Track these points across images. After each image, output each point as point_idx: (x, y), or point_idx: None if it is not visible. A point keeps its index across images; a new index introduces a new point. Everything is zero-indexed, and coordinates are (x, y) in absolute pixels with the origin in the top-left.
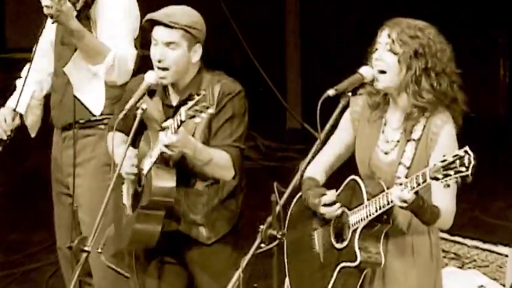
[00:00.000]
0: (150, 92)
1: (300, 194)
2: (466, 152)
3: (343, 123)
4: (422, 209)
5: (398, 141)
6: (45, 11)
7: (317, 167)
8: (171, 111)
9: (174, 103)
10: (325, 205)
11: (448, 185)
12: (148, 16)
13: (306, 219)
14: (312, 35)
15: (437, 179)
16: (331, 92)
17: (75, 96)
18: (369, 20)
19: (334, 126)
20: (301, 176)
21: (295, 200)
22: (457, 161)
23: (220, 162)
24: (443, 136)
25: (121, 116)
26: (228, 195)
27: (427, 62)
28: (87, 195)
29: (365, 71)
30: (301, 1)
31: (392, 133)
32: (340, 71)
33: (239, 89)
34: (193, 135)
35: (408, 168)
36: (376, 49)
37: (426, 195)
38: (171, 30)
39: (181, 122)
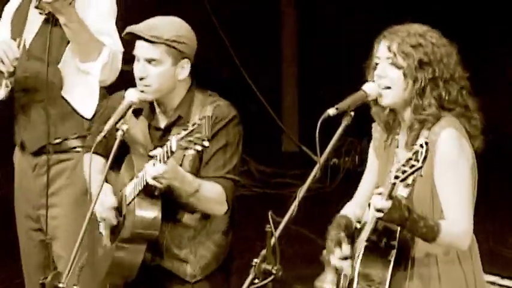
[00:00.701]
0: (136, 111)
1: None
2: (421, 145)
3: (370, 154)
4: (405, 219)
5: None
6: None
7: (353, 203)
8: (158, 133)
9: (162, 125)
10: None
11: (408, 184)
12: (128, 29)
13: None
14: (310, 50)
15: (397, 177)
16: (331, 111)
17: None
18: (370, 35)
19: (336, 149)
20: (299, 203)
21: None
22: (413, 156)
23: (212, 196)
24: (441, 142)
25: (99, 138)
26: (218, 230)
27: (434, 71)
28: (64, 228)
29: (369, 88)
30: (298, 17)
31: (401, 152)
32: (341, 88)
33: (233, 114)
34: (181, 165)
35: (411, 184)
36: (376, 64)
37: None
38: (152, 45)
39: (172, 153)
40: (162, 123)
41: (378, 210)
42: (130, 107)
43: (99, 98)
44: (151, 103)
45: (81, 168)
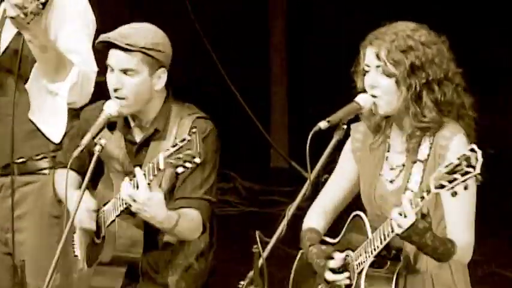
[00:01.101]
0: (110, 125)
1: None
2: (472, 150)
3: (344, 156)
4: (424, 237)
5: (403, 165)
6: (11, 13)
7: (317, 213)
8: (133, 148)
9: (138, 139)
10: (332, 270)
11: (455, 193)
12: (101, 37)
13: (310, 276)
14: (300, 62)
15: (442, 186)
16: (323, 124)
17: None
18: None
19: (327, 165)
20: (288, 222)
21: (298, 256)
22: (463, 162)
23: (187, 225)
24: (453, 148)
25: (76, 153)
26: (196, 251)
27: (428, 74)
28: (32, 254)
29: (362, 99)
30: (287, 29)
31: (396, 157)
32: (333, 100)
33: (210, 127)
34: (159, 184)
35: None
36: (366, 71)
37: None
38: (128, 54)
39: (159, 171)
40: (138, 137)
41: (399, 226)
42: (108, 120)
43: (70, 118)
44: (126, 117)
45: (48, 191)
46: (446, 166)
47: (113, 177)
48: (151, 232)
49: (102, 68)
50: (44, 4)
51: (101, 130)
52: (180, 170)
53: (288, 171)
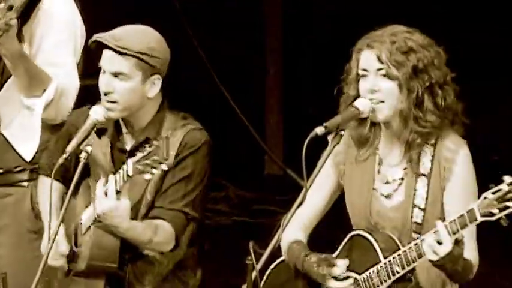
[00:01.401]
0: (99, 130)
1: (277, 262)
2: None
3: (325, 170)
4: (457, 263)
5: (402, 179)
6: None
7: (296, 227)
8: (123, 156)
9: (128, 147)
10: (335, 278)
11: (505, 221)
12: (95, 37)
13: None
14: (296, 65)
15: (492, 214)
16: (319, 130)
17: None
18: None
19: None
20: (281, 234)
21: (270, 269)
22: None
23: (158, 238)
24: (460, 163)
25: (61, 160)
26: (185, 266)
27: (430, 77)
28: (10, 269)
29: (361, 104)
30: (283, 34)
31: (391, 171)
32: (329, 104)
33: (204, 139)
34: (143, 194)
35: (423, 209)
36: (362, 76)
37: None
38: (121, 57)
39: (128, 177)
40: (129, 145)
41: (436, 253)
42: (95, 126)
43: (41, 143)
44: (117, 122)
45: (25, 205)
46: (494, 193)
47: (92, 184)
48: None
49: (92, 69)
50: (21, 17)
51: (87, 136)
52: (147, 176)
53: (283, 178)
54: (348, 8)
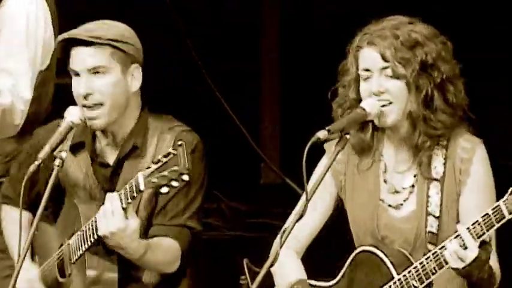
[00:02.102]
0: (74, 147)
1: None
2: None
3: (324, 181)
4: (484, 270)
5: (412, 186)
6: None
7: (290, 247)
8: (107, 171)
9: (111, 160)
10: None
11: None
12: (61, 36)
13: None
14: (293, 64)
15: None
16: (322, 134)
17: None
18: None
19: None
20: (279, 250)
21: None
22: None
23: (164, 258)
24: (477, 162)
25: (32, 167)
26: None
27: (441, 72)
28: None
29: (368, 105)
30: (279, 36)
31: (400, 179)
32: (331, 107)
33: (197, 141)
34: (137, 209)
35: (438, 218)
36: (365, 78)
37: None
38: (95, 49)
39: (139, 192)
40: (111, 157)
41: (462, 260)
42: (71, 129)
43: (6, 154)
44: (94, 133)
45: None
46: None
47: (80, 206)
48: (129, 266)
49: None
50: None
51: (61, 141)
52: (164, 190)
53: (281, 188)
54: (348, 8)
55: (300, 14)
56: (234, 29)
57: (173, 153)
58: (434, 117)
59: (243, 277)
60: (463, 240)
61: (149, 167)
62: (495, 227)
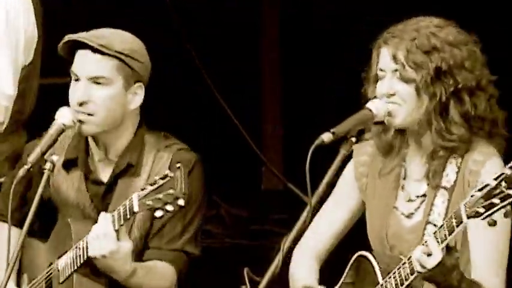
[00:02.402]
0: (66, 163)
1: None
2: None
3: (344, 182)
4: (451, 276)
5: (424, 196)
6: None
7: (307, 255)
8: (100, 189)
9: (105, 178)
10: None
11: (494, 222)
12: (67, 37)
13: None
14: (295, 64)
15: (478, 214)
16: (326, 136)
17: None
18: (360, 59)
19: (332, 186)
20: (283, 259)
21: None
22: (503, 184)
23: (158, 282)
24: (485, 175)
25: (22, 172)
26: None
27: (456, 81)
28: None
29: (375, 106)
30: (280, 36)
31: (415, 187)
32: (335, 108)
33: (195, 159)
34: (130, 230)
35: None
36: (380, 77)
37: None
38: (101, 58)
39: (133, 214)
40: (105, 175)
41: (423, 266)
42: (62, 131)
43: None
44: (87, 149)
45: None
46: (481, 189)
47: (73, 224)
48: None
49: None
50: None
51: (52, 144)
52: (158, 213)
53: (283, 194)
54: (348, 8)
55: (300, 14)
56: (234, 29)
57: (170, 176)
58: (448, 128)
59: (243, 287)
60: (427, 247)
61: (144, 188)
62: (455, 232)
